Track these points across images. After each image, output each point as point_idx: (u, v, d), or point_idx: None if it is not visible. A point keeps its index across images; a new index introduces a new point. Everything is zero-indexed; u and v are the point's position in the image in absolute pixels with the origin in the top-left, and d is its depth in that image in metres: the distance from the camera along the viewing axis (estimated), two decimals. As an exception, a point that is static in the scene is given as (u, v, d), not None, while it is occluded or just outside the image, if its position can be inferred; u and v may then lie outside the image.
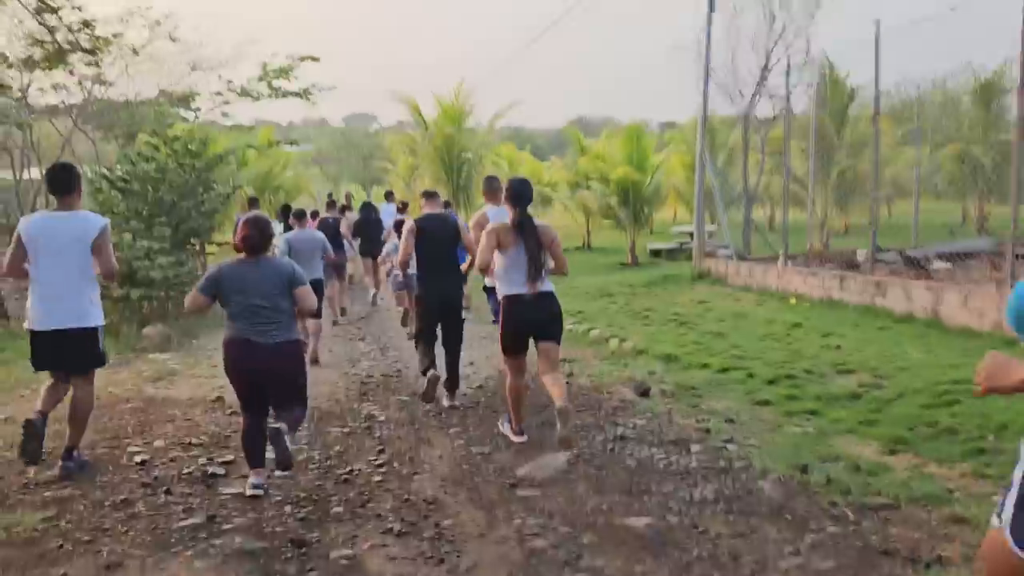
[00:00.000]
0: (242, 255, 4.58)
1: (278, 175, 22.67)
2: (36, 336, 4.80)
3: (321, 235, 9.34)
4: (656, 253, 19.73)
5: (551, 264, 5.23)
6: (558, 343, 5.26)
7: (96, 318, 4.89)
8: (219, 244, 14.19)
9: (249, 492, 4.52)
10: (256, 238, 4.56)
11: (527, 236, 5.07)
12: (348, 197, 18.75)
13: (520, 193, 5.21)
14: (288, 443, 4.48)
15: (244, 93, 18.30)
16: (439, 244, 6.34)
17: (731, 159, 28.66)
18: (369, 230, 13.72)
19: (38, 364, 4.91)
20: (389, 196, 16.23)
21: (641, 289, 13.95)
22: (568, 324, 8.80)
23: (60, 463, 4.86)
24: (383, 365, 8.95)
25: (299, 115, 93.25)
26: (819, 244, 15.90)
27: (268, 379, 4.50)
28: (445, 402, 6.56)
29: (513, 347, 5.26)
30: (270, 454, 4.63)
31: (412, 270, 7.84)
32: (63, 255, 4.72)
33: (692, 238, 20.06)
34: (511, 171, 27.46)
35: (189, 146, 12.24)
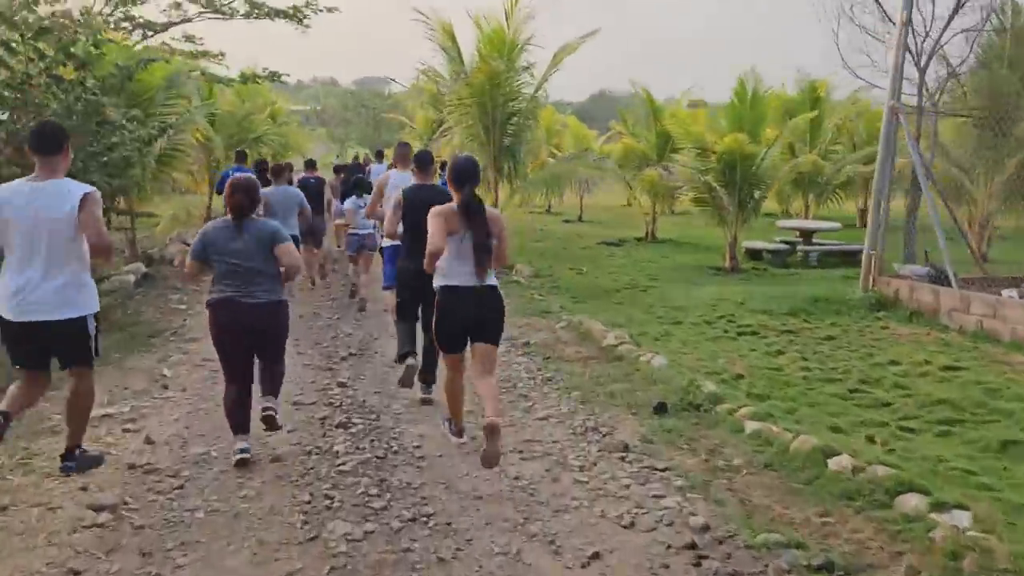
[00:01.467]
0: (228, 216, 4.90)
1: (259, 125, 17.33)
2: (9, 327, 4.45)
3: (298, 191, 9.73)
4: (755, 254, 14.74)
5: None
6: (496, 345, 5.08)
7: (85, 305, 4.52)
8: (149, 215, 9.59)
9: (237, 457, 4.95)
10: (245, 203, 4.85)
11: (475, 222, 4.81)
12: (365, 159, 18.18)
13: (465, 172, 4.92)
14: (277, 416, 5.07)
15: (211, 5, 12.97)
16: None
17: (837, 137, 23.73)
18: (346, 192, 12.53)
19: (15, 359, 4.62)
20: (380, 155, 15.47)
21: (788, 319, 10.13)
22: (722, 404, 6.15)
23: (60, 464, 4.71)
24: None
25: (308, 73, 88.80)
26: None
27: (254, 338, 4.92)
28: (420, 394, 6.44)
29: (451, 344, 5.07)
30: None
31: (369, 228, 9.86)
32: (40, 231, 4.33)
33: (802, 238, 15.18)
34: (549, 141, 22.49)
35: (72, 49, 7.00)
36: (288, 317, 5.14)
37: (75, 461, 4.72)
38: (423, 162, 6.50)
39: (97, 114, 8.45)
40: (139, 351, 7.87)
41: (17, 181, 4.51)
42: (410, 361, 6.22)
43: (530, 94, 13.23)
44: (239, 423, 5.03)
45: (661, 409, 6.12)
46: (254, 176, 6.05)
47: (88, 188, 4.46)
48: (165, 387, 6.72)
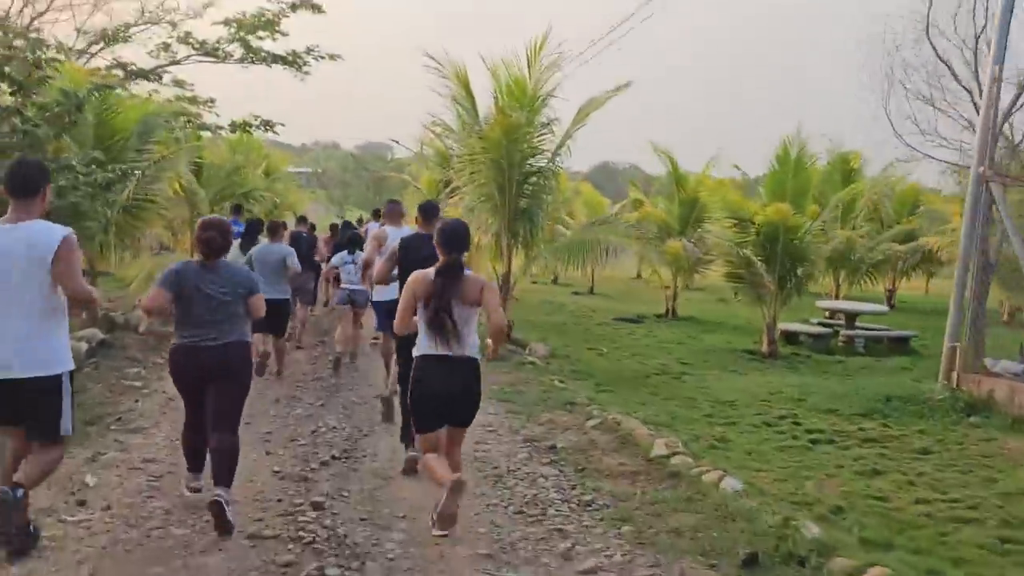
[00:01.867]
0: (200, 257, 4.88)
1: (250, 180, 15.90)
2: None
3: (286, 247, 9.23)
4: (791, 338, 13.23)
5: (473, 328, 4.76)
6: (468, 426, 4.95)
7: (59, 362, 4.18)
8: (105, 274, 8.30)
9: (190, 487, 5.04)
10: (218, 240, 4.79)
11: (445, 287, 4.54)
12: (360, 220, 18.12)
13: (457, 236, 4.71)
14: (228, 512, 4.59)
15: (203, 48, 11.73)
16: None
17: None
18: (340, 246, 11.97)
19: None
20: (376, 214, 14.50)
21: (863, 423, 8.55)
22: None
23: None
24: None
25: (311, 137, 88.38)
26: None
27: (215, 379, 4.79)
28: (406, 452, 5.97)
29: (425, 422, 4.77)
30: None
31: (359, 284, 9.33)
32: (12, 279, 4.02)
33: (845, 320, 13.74)
34: (561, 206, 21.15)
35: (5, 68, 5.74)
36: (251, 358, 5.12)
37: (13, 492, 4.03)
38: (428, 212, 6.37)
39: (40, 150, 6.98)
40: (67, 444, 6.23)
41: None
42: (411, 453, 5.79)
43: (551, 151, 11.86)
44: (198, 462, 5.03)
45: (752, 562, 4.49)
46: (226, 220, 5.45)
47: (66, 231, 4.12)
48: (82, 503, 5.06)
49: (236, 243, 9.80)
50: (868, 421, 8.38)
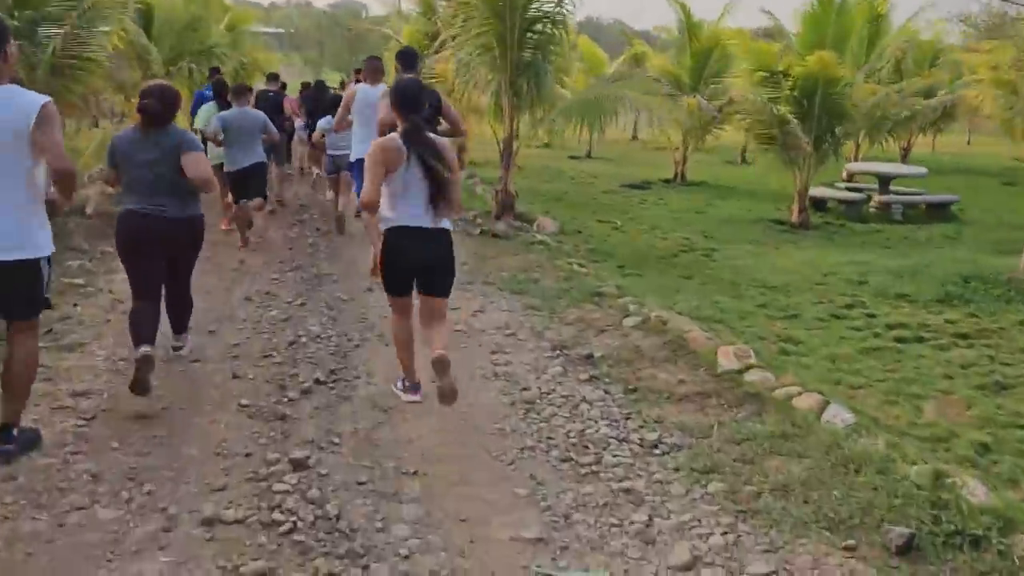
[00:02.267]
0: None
1: (210, 35, 13.90)
2: None
3: (260, 113, 8.78)
4: (818, 204, 11.93)
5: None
6: (446, 297, 4.66)
7: (39, 245, 3.81)
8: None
9: (140, 354, 4.38)
10: (154, 107, 4.54)
11: (425, 153, 4.29)
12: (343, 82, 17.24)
13: (411, 95, 4.45)
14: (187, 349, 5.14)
15: None
16: None
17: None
18: (323, 110, 11.10)
19: None
20: (358, 73, 12.84)
21: (947, 311, 7.22)
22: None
23: None
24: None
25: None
26: None
27: (164, 254, 4.70)
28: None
29: (398, 287, 4.61)
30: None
31: (346, 149, 8.18)
32: None
33: (879, 184, 12.40)
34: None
35: None
36: (203, 232, 4.95)
37: (13, 443, 3.82)
38: (407, 59, 6.32)
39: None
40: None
41: None
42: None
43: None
44: (145, 335, 4.51)
45: (908, 548, 3.23)
46: (169, 85, 5.10)
47: (44, 98, 3.65)
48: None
49: (210, 106, 9.58)
50: (951, 310, 7.10)
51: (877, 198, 13.45)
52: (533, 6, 10.15)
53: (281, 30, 71.35)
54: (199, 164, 4.59)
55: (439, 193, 4.32)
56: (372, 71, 7.68)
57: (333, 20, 72.10)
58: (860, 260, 9.33)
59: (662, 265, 9.23)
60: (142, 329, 4.49)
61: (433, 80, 14.27)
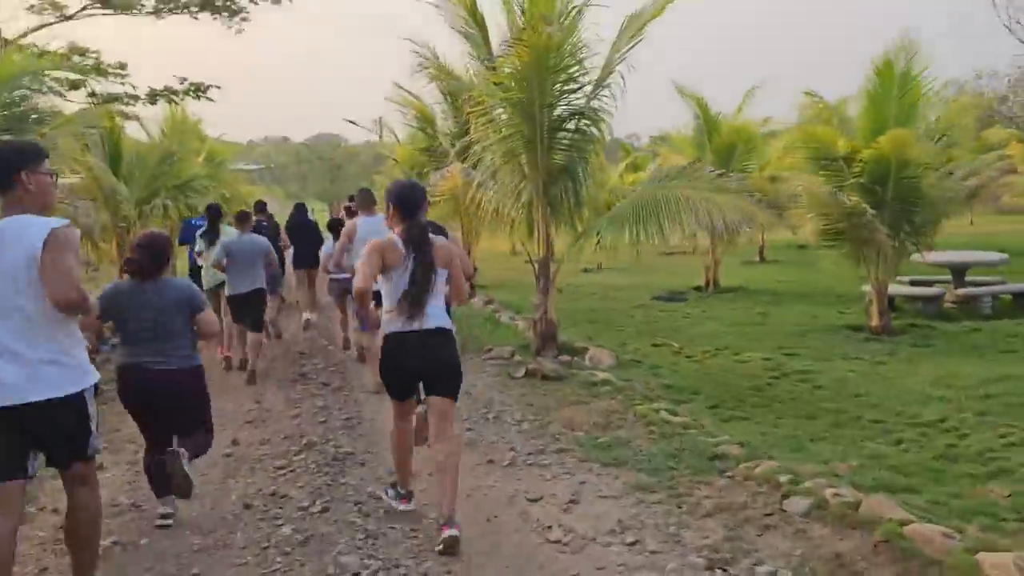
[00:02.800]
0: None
1: (187, 168, 12.38)
2: None
3: (264, 240, 8.89)
4: (890, 303, 10.25)
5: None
6: (453, 399, 4.49)
7: (73, 379, 3.38)
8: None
9: (158, 523, 4.56)
10: (143, 262, 4.47)
11: (418, 254, 4.31)
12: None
13: (411, 198, 4.48)
14: (186, 467, 4.36)
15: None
16: None
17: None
18: (304, 236, 11.66)
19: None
20: (351, 201, 11.63)
21: None
22: None
23: None
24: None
25: (257, 133, 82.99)
26: None
27: (165, 408, 4.54)
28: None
29: (399, 392, 4.57)
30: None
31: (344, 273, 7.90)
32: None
33: (953, 276, 10.90)
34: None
35: None
36: (205, 386, 4.76)
37: None
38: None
39: None
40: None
41: None
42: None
43: (593, 82, 8.48)
44: (162, 485, 4.54)
45: None
46: (163, 232, 5.24)
47: (55, 223, 3.31)
48: None
49: (199, 234, 9.42)
50: None
51: (954, 291, 11.78)
52: (567, 97, 8.63)
53: (260, 165, 71.12)
54: (213, 323, 4.70)
55: (422, 298, 4.26)
56: (365, 202, 7.83)
57: (313, 152, 72.28)
58: (1005, 373, 7.53)
59: (761, 399, 7.38)
60: (159, 480, 4.53)
61: (439, 199, 12.67)
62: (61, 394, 3.31)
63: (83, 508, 3.53)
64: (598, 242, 8.67)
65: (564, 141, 8.82)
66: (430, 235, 4.41)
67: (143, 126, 14.06)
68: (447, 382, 4.42)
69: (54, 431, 3.36)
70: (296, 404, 7.53)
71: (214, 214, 9.37)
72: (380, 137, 51.12)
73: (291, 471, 5.60)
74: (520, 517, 4.64)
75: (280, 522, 4.67)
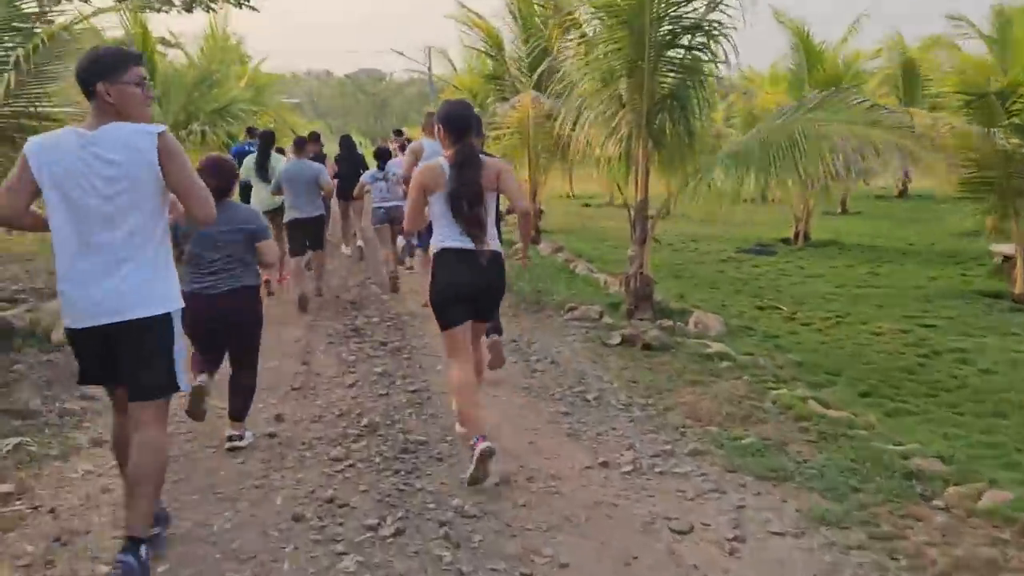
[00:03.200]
0: None
1: (226, 91, 11.10)
2: (77, 337, 3.14)
3: (320, 166, 8.82)
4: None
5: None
6: (489, 320, 4.63)
7: (167, 299, 3.17)
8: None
9: (196, 383, 4.48)
10: (213, 185, 3.93)
11: (463, 174, 4.15)
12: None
13: (458, 118, 4.28)
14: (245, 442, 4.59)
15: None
16: None
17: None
18: (351, 168, 11.05)
19: (82, 377, 3.29)
20: (399, 133, 12.63)
21: None
22: None
23: (116, 560, 3.02)
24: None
25: (299, 67, 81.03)
26: None
27: (225, 329, 4.57)
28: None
29: (448, 316, 4.28)
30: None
31: (396, 200, 8.60)
32: (107, 195, 3.01)
33: None
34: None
35: None
36: (260, 306, 4.74)
37: (137, 556, 3.00)
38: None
39: None
40: None
41: (62, 131, 3.11)
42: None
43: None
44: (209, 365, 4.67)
45: None
46: (229, 157, 5.20)
47: (156, 128, 3.07)
48: None
49: (251, 159, 9.10)
50: None
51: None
52: (677, 11, 7.13)
53: (299, 100, 69.94)
54: (274, 251, 4.71)
55: (474, 218, 4.15)
56: (431, 126, 7.24)
57: (356, 86, 70.84)
58: None
59: (920, 385, 6.02)
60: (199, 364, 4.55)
61: (504, 131, 11.33)
62: (153, 313, 3.09)
63: (142, 444, 3.08)
64: (709, 186, 7.25)
65: (675, 61, 7.35)
66: (482, 159, 4.26)
67: (175, 42, 12.76)
68: (490, 306, 4.44)
69: (138, 353, 3.09)
70: (351, 368, 6.31)
71: (268, 140, 9.25)
72: (429, 69, 49.51)
73: (350, 465, 4.38)
74: (670, 559, 3.38)
75: (340, 547, 3.46)
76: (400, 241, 9.22)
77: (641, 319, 7.49)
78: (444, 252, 4.24)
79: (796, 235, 14.36)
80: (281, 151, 10.49)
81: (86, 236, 3.01)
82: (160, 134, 3.06)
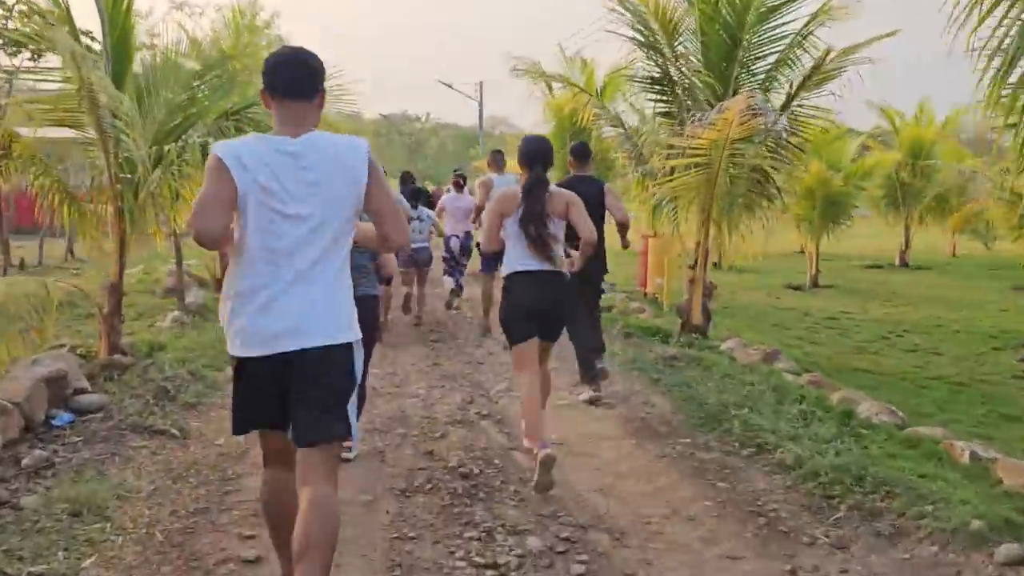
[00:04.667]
0: None
1: (248, 85, 8.80)
2: (247, 367, 2.77)
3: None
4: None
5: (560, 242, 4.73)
6: (553, 341, 4.89)
7: (351, 327, 2.85)
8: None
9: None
10: None
11: (529, 199, 4.60)
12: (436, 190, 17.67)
13: (535, 151, 4.76)
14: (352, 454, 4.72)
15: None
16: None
17: None
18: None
19: (240, 423, 2.85)
20: (458, 178, 10.86)
21: None
22: None
23: None
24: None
25: (330, 108, 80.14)
26: None
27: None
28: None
29: (514, 333, 4.69)
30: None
31: (422, 242, 9.01)
32: (310, 212, 2.74)
33: None
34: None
35: None
36: (380, 318, 5.55)
37: None
38: (580, 154, 6.32)
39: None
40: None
41: (250, 138, 2.85)
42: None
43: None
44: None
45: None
46: None
47: (365, 144, 2.87)
48: None
49: None
50: None
51: None
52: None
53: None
54: (392, 263, 4.89)
55: (540, 238, 4.52)
56: (496, 162, 9.02)
57: (392, 126, 70.71)
58: None
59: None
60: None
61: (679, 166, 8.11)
62: (340, 341, 2.77)
63: (314, 504, 2.60)
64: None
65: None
66: (549, 185, 4.68)
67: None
68: (555, 326, 4.77)
69: (318, 385, 2.71)
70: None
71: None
72: (480, 103, 47.04)
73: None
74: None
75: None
76: (447, 281, 9.68)
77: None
78: (512, 275, 4.70)
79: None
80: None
81: (274, 254, 2.67)
82: (368, 151, 2.83)
